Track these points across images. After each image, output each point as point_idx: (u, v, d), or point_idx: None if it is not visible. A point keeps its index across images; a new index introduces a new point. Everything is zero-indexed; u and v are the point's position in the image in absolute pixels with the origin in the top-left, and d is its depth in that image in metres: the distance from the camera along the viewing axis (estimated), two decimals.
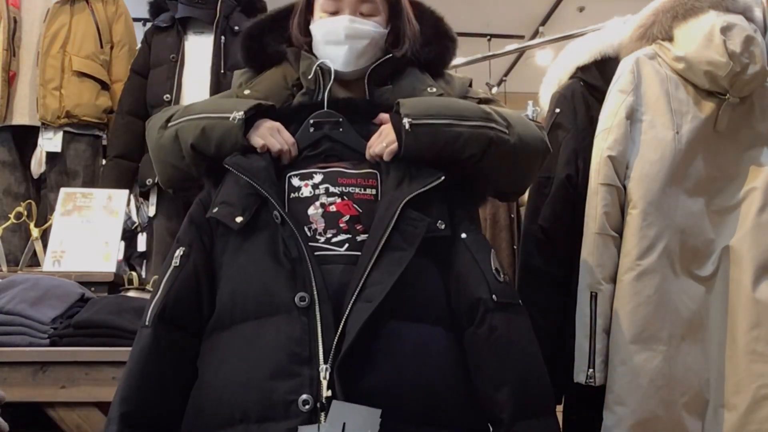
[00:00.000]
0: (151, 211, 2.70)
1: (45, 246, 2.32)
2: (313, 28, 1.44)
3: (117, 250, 2.30)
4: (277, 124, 1.34)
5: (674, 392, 1.57)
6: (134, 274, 2.26)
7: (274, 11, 1.54)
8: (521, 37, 6.52)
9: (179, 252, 1.27)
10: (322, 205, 1.25)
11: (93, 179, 2.78)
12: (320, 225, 1.23)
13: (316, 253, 1.20)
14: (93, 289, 2.11)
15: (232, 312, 1.21)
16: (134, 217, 3.20)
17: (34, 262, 2.42)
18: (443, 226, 1.24)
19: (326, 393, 1.07)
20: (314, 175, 1.29)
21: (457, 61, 2.93)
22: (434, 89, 1.42)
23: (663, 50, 1.73)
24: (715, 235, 1.69)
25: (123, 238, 2.73)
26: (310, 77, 1.40)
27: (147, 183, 2.63)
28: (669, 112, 1.68)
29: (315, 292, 1.13)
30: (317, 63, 1.40)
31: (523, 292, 1.75)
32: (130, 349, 1.76)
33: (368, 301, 1.11)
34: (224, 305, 1.22)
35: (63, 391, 1.76)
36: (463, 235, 1.26)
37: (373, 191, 1.28)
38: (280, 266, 1.19)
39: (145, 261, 2.97)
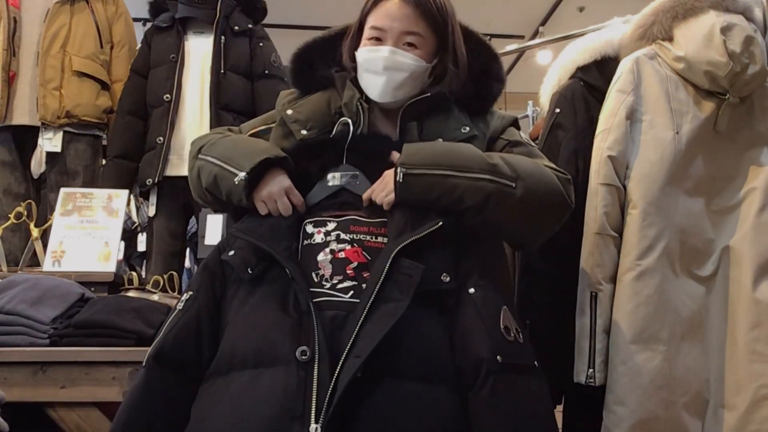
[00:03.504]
0: (151, 211, 2.70)
1: (45, 246, 2.32)
2: (357, 54, 1.43)
3: (117, 250, 2.31)
4: (286, 184, 1.32)
5: (674, 392, 1.57)
6: (134, 274, 2.26)
7: (326, 33, 1.53)
8: (521, 37, 6.52)
9: (186, 296, 1.28)
10: (332, 251, 1.25)
11: (93, 179, 2.77)
12: (327, 271, 1.23)
13: (321, 299, 1.19)
14: (93, 289, 2.12)
15: (231, 359, 1.18)
16: (134, 217, 3.21)
17: (34, 262, 2.42)
18: (448, 279, 1.19)
19: None
20: (328, 222, 1.30)
21: None
22: (467, 129, 1.39)
23: (663, 50, 1.73)
24: (715, 235, 1.69)
25: (123, 238, 2.74)
26: (353, 110, 1.40)
27: (147, 183, 2.63)
28: (669, 112, 1.68)
29: (317, 347, 1.10)
30: (357, 99, 1.40)
31: (523, 292, 1.76)
32: (130, 349, 1.79)
33: (357, 356, 1.07)
34: (224, 351, 1.21)
35: (63, 391, 1.76)
36: (471, 290, 1.21)
37: (385, 239, 1.26)
38: (286, 317, 1.17)
39: (145, 261, 2.97)
